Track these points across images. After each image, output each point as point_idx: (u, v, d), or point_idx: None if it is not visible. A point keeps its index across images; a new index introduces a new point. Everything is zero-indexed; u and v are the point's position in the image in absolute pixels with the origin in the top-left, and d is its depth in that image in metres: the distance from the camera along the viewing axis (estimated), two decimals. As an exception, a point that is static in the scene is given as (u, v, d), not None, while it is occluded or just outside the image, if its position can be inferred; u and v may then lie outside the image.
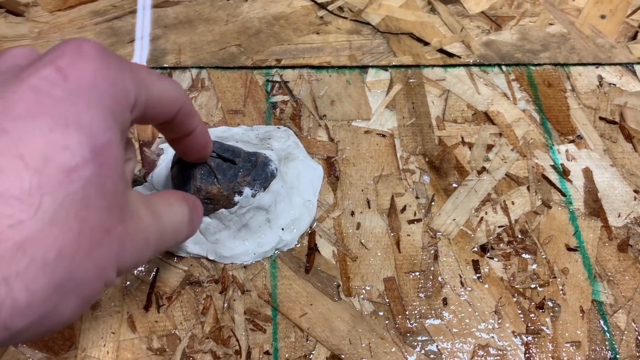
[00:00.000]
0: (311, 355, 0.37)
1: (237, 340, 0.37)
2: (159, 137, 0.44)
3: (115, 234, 0.21)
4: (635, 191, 0.44)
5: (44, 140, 0.19)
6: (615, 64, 0.51)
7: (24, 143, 0.18)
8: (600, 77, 0.50)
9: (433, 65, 0.50)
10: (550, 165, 0.45)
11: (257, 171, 0.38)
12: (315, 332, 0.37)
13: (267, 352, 0.37)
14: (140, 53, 0.49)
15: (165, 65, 0.48)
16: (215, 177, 0.37)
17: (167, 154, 0.43)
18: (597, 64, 0.51)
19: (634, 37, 0.53)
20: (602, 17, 0.54)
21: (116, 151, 0.21)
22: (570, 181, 0.45)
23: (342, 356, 0.37)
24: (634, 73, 0.50)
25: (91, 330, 0.37)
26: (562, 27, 0.53)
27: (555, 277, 0.41)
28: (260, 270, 0.39)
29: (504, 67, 0.50)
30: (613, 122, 0.48)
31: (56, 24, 0.50)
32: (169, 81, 0.26)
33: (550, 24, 0.53)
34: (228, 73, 0.48)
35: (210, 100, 0.46)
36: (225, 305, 0.38)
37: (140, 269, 0.39)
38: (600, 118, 0.48)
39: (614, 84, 0.50)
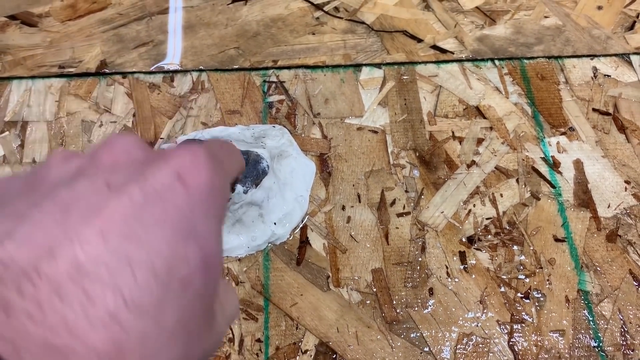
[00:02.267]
0: (300, 343, 0.39)
1: (231, 329, 0.39)
2: (161, 138, 0.47)
3: (206, 340, 0.21)
4: (627, 182, 0.45)
5: (169, 250, 0.19)
6: (610, 55, 0.51)
7: (155, 253, 0.19)
8: (595, 69, 0.50)
9: (426, 62, 0.51)
10: (541, 157, 0.46)
11: (249, 169, 0.41)
12: (305, 321, 0.39)
13: (258, 340, 0.39)
14: (174, 54, 0.51)
15: (168, 69, 0.50)
16: (207, 175, 0.39)
17: (168, 154, 0.46)
18: (592, 56, 0.51)
19: (631, 27, 0.52)
20: (599, 8, 0.54)
21: (221, 260, 0.22)
22: (561, 173, 0.45)
23: (330, 343, 0.39)
24: (630, 63, 0.50)
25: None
26: (558, 19, 0.53)
27: (541, 268, 0.41)
28: (254, 262, 0.42)
29: (497, 62, 0.51)
30: (606, 114, 0.48)
31: (67, 33, 0.53)
32: (238, 156, 0.28)
33: (546, 17, 0.53)
34: (227, 75, 0.50)
35: (210, 102, 0.49)
36: (220, 295, 0.40)
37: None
38: (594, 110, 0.48)
39: (608, 75, 0.50)
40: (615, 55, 0.51)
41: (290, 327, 0.39)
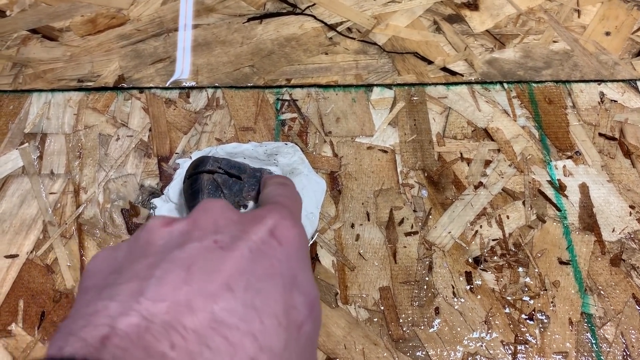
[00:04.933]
0: (308, 358, 0.40)
1: (240, 342, 0.40)
2: (176, 153, 0.48)
3: None
4: (631, 206, 0.46)
5: (283, 300, 0.21)
6: (618, 81, 0.52)
7: (273, 301, 0.21)
8: (602, 94, 0.51)
9: (436, 84, 0.52)
10: (547, 180, 0.47)
11: (260, 187, 0.42)
12: (313, 337, 0.40)
13: (267, 354, 0.40)
14: (182, 69, 0.53)
15: (184, 85, 0.52)
16: (221, 191, 0.40)
17: (182, 169, 0.47)
18: (600, 81, 0.52)
19: (638, 54, 0.53)
20: (607, 34, 0.55)
21: (319, 303, 0.24)
22: (566, 196, 0.46)
23: (336, 359, 0.40)
24: (637, 89, 0.51)
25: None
26: (566, 44, 0.54)
27: (546, 290, 0.42)
28: (264, 277, 0.43)
29: (505, 85, 0.52)
30: (612, 139, 0.49)
31: (86, 48, 0.54)
32: (297, 195, 0.34)
33: (554, 42, 0.54)
34: (241, 92, 0.51)
35: (224, 118, 0.50)
36: (231, 309, 0.41)
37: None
38: (600, 134, 0.49)
39: (615, 101, 0.51)
40: (622, 81, 0.52)
41: (299, 343, 0.40)
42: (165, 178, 0.47)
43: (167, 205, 0.45)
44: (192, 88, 0.52)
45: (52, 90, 0.52)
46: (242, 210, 0.41)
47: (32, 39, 0.55)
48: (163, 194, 0.46)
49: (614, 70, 0.52)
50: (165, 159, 0.48)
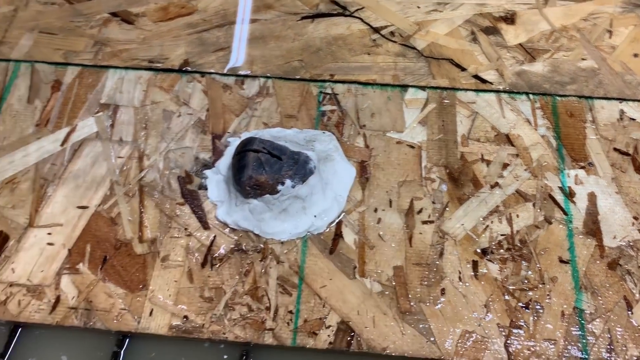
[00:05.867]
0: (325, 319, 0.46)
1: (269, 299, 0.46)
2: (228, 132, 0.55)
3: None
4: (635, 217, 0.49)
5: None
6: (639, 100, 0.55)
7: None
8: (622, 112, 0.55)
9: (466, 89, 0.57)
10: (558, 186, 0.51)
11: (298, 167, 0.48)
12: (331, 301, 0.46)
13: (290, 312, 0.46)
14: (237, 58, 0.59)
15: (240, 73, 0.58)
16: (264, 169, 0.46)
17: (232, 147, 0.53)
18: (622, 99, 0.56)
19: (663, 77, 0.57)
20: (635, 55, 0.58)
21: None
22: (574, 202, 0.50)
23: (350, 323, 0.45)
24: (657, 110, 0.55)
25: (159, 277, 0.48)
26: (594, 62, 0.58)
27: (544, 284, 0.47)
28: (294, 247, 0.49)
29: (531, 96, 0.56)
30: (626, 154, 0.53)
31: (157, 32, 0.61)
32: None
33: (583, 59, 0.58)
34: (289, 83, 0.57)
35: (272, 105, 0.56)
36: (263, 270, 0.48)
37: (200, 235, 0.49)
38: (615, 149, 0.53)
39: (634, 119, 0.54)
40: (644, 101, 0.55)
41: (318, 305, 0.46)
42: (217, 153, 0.54)
43: (216, 176, 0.52)
44: (246, 76, 0.58)
45: (126, 68, 0.59)
46: (280, 187, 0.47)
47: (112, 21, 0.62)
48: (214, 166, 0.53)
49: (636, 90, 0.56)
50: (218, 137, 0.55)
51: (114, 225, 0.50)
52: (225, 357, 0.46)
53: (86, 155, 0.54)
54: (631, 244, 0.48)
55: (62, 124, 0.56)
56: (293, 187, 0.48)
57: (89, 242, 0.49)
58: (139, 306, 0.46)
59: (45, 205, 0.51)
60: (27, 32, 0.62)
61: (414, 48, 0.59)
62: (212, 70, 0.58)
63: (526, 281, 0.47)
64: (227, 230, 0.50)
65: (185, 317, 0.46)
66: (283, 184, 0.47)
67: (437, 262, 0.48)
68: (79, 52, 0.60)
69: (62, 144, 0.54)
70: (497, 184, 0.51)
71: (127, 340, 0.46)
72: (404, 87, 0.57)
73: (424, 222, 0.50)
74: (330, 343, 0.45)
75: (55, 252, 0.49)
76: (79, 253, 0.49)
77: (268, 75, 0.58)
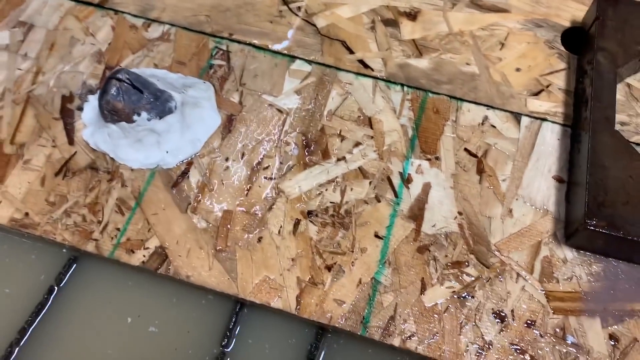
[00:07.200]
0: (147, 241, 0.50)
1: (103, 215, 0.51)
2: (119, 66, 0.60)
3: None
4: (460, 213, 0.53)
5: None
6: (505, 110, 0.58)
7: None
8: (485, 117, 0.58)
9: (348, 71, 0.60)
10: (399, 171, 0.54)
11: (158, 104, 0.52)
12: (157, 228, 0.51)
13: (117, 229, 0.51)
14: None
15: (148, 17, 0.63)
16: (122, 97, 0.51)
17: (118, 79, 0.58)
18: (489, 106, 0.58)
19: (536, 94, 0.59)
20: (517, 69, 0.61)
21: None
22: (408, 188, 0.54)
23: (167, 249, 0.50)
24: (519, 122, 0.57)
25: (17, 176, 0.53)
26: (477, 68, 0.61)
27: (352, 252, 0.50)
28: (141, 175, 0.53)
29: (405, 88, 0.59)
30: (474, 155, 0.56)
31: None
32: None
33: (467, 64, 0.61)
34: (190, 34, 0.62)
35: (167, 50, 0.61)
36: (107, 190, 0.52)
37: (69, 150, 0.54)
38: (465, 149, 0.56)
39: (494, 126, 0.57)
40: (510, 112, 0.58)
41: (144, 229, 0.51)
42: (101, 82, 0.59)
43: (95, 102, 0.57)
44: (154, 21, 0.63)
45: (53, -6, 0.64)
46: (136, 117, 0.52)
47: (55, -49, 0.68)
48: (97, 93, 0.58)
49: (506, 101, 0.59)
50: (110, 68, 0.60)
51: (-5, 126, 0.56)
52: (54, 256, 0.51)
53: (-8, 63, 0.59)
54: (447, 235, 0.51)
55: (-21, 31, 0.61)
56: (149, 120, 0.52)
57: (-32, 136, 0.55)
58: (-11, 197, 0.52)
59: (-60, 97, 0.57)
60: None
61: (314, 25, 0.63)
62: (127, 11, 0.63)
63: (337, 246, 0.51)
64: (88, 149, 0.55)
65: (27, 213, 0.51)
66: (139, 115, 0.52)
67: (263, 213, 0.52)
68: (15, -27, 0.66)
69: (-27, 49, 0.60)
70: (343, 158, 0.55)
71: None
72: (293, 57, 0.61)
73: (266, 178, 0.54)
74: (143, 262, 0.49)
75: None
76: (-44, 143, 0.55)
77: (173, 23, 0.62)
